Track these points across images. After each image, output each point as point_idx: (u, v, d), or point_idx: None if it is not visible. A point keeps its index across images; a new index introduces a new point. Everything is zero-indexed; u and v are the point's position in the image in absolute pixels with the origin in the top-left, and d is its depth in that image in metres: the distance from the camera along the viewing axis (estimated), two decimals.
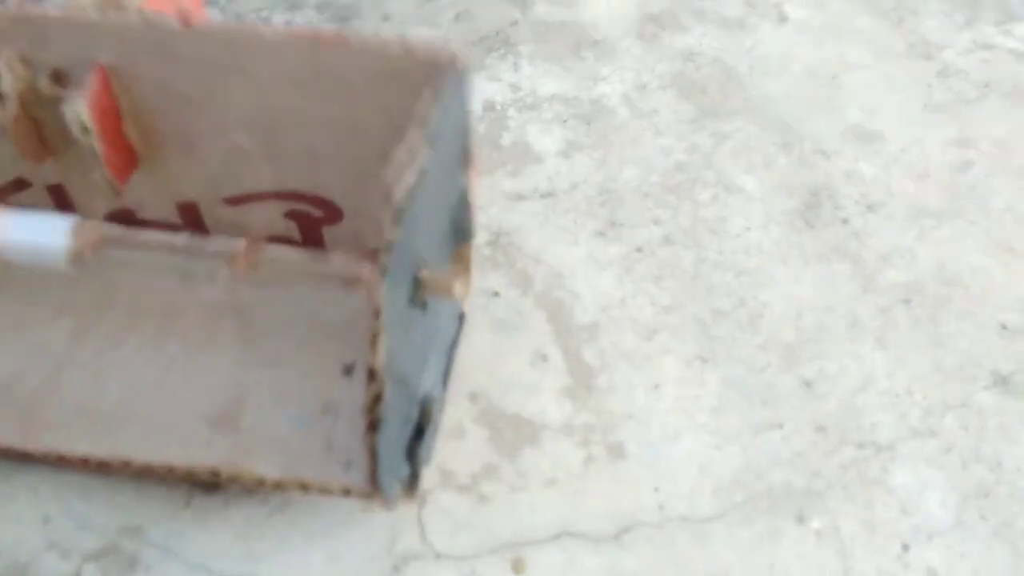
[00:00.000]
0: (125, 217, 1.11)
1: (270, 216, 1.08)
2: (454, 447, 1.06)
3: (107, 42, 0.92)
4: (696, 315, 1.21)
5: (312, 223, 1.09)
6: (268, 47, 0.89)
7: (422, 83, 0.86)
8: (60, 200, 1.11)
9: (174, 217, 1.11)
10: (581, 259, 1.27)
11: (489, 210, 1.31)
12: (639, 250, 1.28)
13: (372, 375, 0.79)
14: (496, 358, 1.14)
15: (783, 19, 1.74)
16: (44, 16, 0.92)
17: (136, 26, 0.90)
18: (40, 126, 1.01)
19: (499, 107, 1.47)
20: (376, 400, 0.81)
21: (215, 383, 1.07)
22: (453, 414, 1.09)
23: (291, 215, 1.08)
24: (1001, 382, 1.15)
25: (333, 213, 1.07)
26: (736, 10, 1.75)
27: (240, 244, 1.10)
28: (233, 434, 1.02)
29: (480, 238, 1.25)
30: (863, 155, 1.47)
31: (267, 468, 0.96)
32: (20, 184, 1.11)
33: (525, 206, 1.33)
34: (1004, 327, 1.21)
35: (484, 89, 1.50)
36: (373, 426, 0.82)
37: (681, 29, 1.70)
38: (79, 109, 0.91)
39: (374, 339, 0.77)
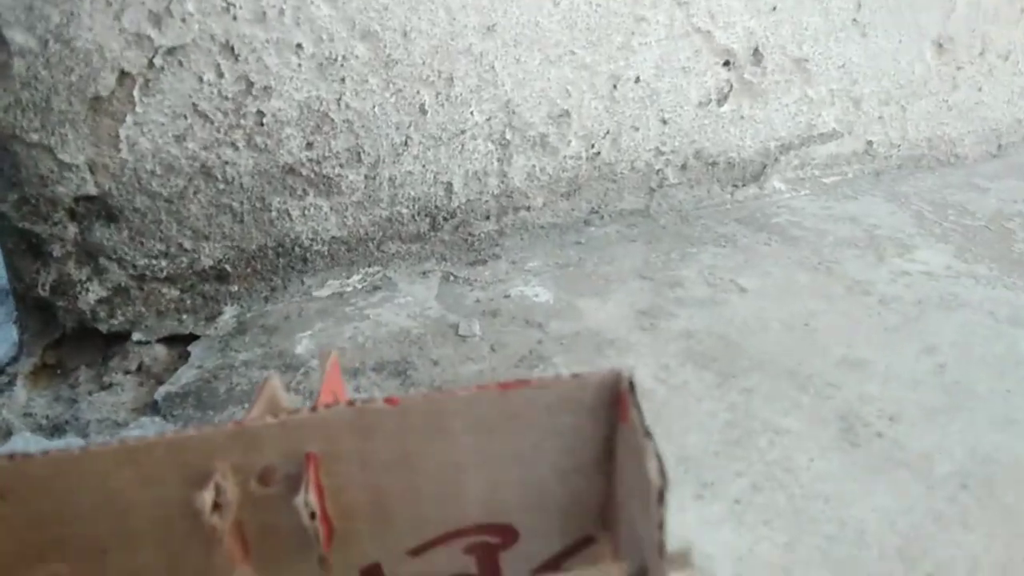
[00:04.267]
0: None
1: (449, 557, 1.19)
2: None
3: (315, 434, 1.08)
4: (813, 544, 1.37)
5: (489, 551, 1.21)
6: (462, 404, 1.08)
7: (595, 405, 1.06)
8: None
9: None
10: (692, 524, 1.42)
11: None
12: (738, 502, 1.46)
13: None
14: None
15: (743, 290, 2.12)
16: (261, 424, 1.07)
17: (346, 414, 1.08)
18: (242, 529, 1.12)
19: None
20: None
21: None
22: None
23: (470, 549, 1.20)
24: None
25: (510, 537, 1.19)
26: (704, 291, 2.12)
27: None
28: None
29: None
30: (862, 379, 1.77)
31: None
32: None
33: None
34: None
35: None
36: None
37: (669, 316, 2.03)
38: (309, 499, 1.04)
39: None
